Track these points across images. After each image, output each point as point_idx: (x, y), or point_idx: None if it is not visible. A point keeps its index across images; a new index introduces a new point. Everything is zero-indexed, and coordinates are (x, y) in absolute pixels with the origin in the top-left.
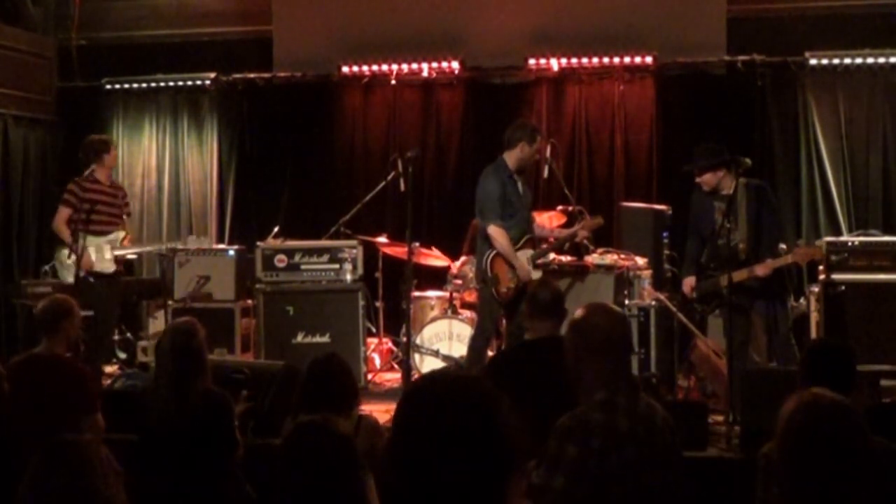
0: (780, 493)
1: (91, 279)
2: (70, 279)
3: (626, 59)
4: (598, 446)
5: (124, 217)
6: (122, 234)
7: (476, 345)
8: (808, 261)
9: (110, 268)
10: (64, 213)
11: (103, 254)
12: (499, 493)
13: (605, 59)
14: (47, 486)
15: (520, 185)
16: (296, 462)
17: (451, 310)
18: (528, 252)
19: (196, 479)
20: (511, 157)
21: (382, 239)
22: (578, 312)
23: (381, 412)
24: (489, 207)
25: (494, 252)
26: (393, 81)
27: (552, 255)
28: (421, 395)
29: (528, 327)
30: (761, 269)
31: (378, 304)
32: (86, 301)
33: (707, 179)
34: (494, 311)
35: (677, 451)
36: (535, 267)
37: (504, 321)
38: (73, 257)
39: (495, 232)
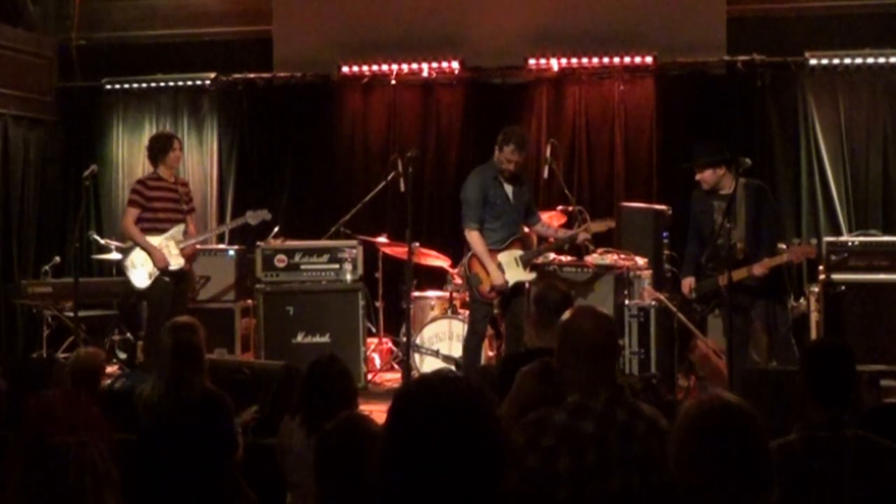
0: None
1: (166, 278)
2: (141, 284)
3: (626, 59)
4: (547, 445)
5: (186, 212)
6: (181, 226)
7: (469, 345)
8: (803, 259)
9: (178, 263)
10: (132, 213)
11: (169, 250)
12: (491, 491)
13: (605, 59)
14: (28, 490)
15: (508, 186)
16: (335, 458)
17: (451, 310)
18: (516, 252)
19: (194, 479)
20: (496, 159)
21: (382, 239)
22: (566, 314)
23: (380, 412)
24: (466, 210)
25: (472, 252)
26: (393, 81)
27: (552, 255)
28: (411, 398)
29: (534, 333)
30: (758, 269)
31: (378, 304)
32: (158, 299)
33: (706, 177)
34: (480, 309)
35: (663, 457)
36: (532, 268)
37: (502, 321)
38: (147, 260)
39: (468, 235)
